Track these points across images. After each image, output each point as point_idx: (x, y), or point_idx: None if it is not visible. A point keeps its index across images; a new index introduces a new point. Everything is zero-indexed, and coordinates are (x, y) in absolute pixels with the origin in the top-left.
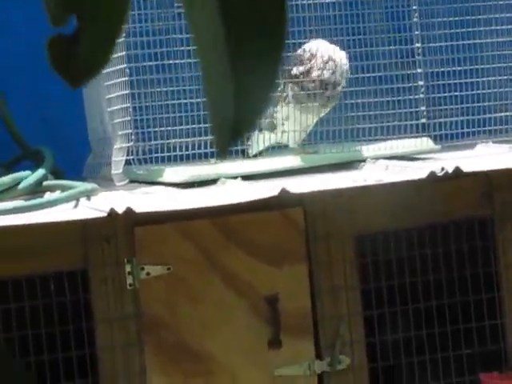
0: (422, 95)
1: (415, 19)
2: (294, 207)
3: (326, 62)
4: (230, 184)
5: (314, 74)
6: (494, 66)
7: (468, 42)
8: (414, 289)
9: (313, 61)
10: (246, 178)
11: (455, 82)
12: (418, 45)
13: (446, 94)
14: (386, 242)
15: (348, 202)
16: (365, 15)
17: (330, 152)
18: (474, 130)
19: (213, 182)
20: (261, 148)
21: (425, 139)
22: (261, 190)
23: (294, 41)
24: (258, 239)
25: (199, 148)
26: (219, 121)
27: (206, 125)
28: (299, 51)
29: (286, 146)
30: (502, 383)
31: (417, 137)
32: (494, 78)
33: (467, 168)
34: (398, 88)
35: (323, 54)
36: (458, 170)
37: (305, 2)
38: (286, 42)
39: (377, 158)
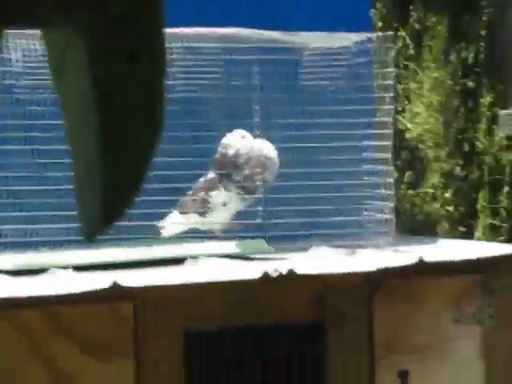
0: (260, 195)
1: (256, 119)
2: (124, 301)
3: (264, 163)
4: (61, 273)
5: (257, 178)
6: (330, 170)
7: (306, 144)
8: None
9: (250, 163)
10: (78, 268)
11: (292, 184)
12: None
13: (282, 196)
14: (214, 339)
15: (180, 298)
16: (204, 112)
17: (164, 247)
18: (309, 232)
19: (43, 271)
20: (179, 230)
21: (259, 240)
22: (91, 281)
23: None
24: (88, 332)
25: (30, 236)
26: (88, 208)
27: (38, 213)
28: (224, 149)
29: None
30: None
31: (252, 237)
32: (330, 183)
33: (301, 270)
34: None
35: (259, 155)
36: (291, 272)
37: None
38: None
39: (211, 256)
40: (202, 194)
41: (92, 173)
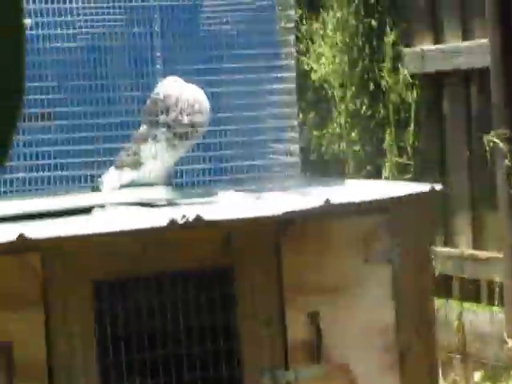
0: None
1: (158, 66)
2: (31, 252)
3: (193, 105)
4: None
5: (185, 119)
6: (235, 114)
7: (210, 90)
8: (150, 337)
9: (179, 105)
10: None
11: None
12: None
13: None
14: (123, 287)
15: (85, 246)
16: (107, 60)
17: (71, 197)
18: (216, 178)
19: None
20: (117, 184)
21: (166, 186)
22: None
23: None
24: None
25: None
26: None
27: None
28: (156, 96)
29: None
30: None
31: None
32: (236, 127)
33: (208, 216)
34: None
35: (188, 97)
36: (198, 218)
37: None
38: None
39: (118, 204)
40: (133, 147)
41: None
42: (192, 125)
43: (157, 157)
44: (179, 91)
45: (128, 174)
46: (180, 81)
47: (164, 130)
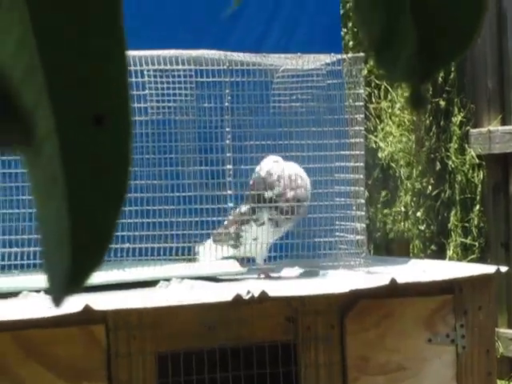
0: (231, 217)
1: (227, 141)
2: (96, 324)
3: (296, 180)
4: (33, 297)
5: (289, 193)
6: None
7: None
8: None
9: (281, 181)
10: None
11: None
12: (230, 166)
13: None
14: (187, 361)
15: (152, 320)
16: (177, 134)
17: (136, 269)
18: (281, 254)
19: (15, 294)
20: (212, 259)
21: (231, 261)
22: (64, 304)
23: None
24: (58, 355)
25: (2, 259)
26: (53, 271)
27: (10, 236)
28: (259, 174)
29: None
30: None
31: (224, 258)
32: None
33: (273, 292)
34: (207, 209)
35: (290, 173)
36: (263, 294)
37: None
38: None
39: (182, 278)
40: (234, 227)
41: (58, 240)
42: (297, 199)
43: (257, 239)
44: (281, 168)
45: (226, 250)
46: (280, 160)
47: (267, 209)
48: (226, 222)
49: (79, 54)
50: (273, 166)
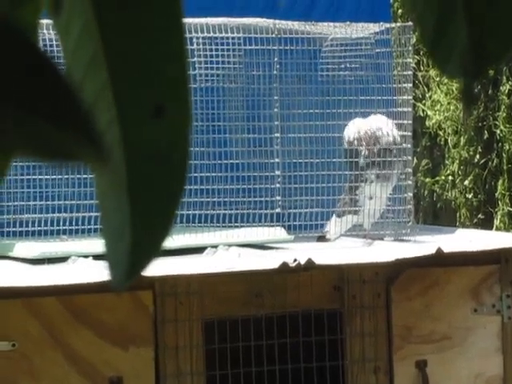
0: (278, 185)
1: (275, 109)
2: (143, 290)
3: (382, 129)
4: (81, 262)
5: (383, 140)
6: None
7: (325, 135)
8: (260, 378)
9: (378, 132)
10: (98, 257)
11: (311, 173)
12: (277, 135)
13: (301, 185)
14: (234, 329)
15: (198, 286)
16: (225, 102)
17: (183, 236)
18: (327, 222)
19: (64, 259)
20: (342, 231)
21: (278, 229)
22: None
23: None
24: (106, 320)
25: (51, 225)
26: (115, 260)
27: (59, 202)
28: (363, 132)
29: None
30: None
31: (270, 226)
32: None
33: (319, 260)
34: (254, 176)
35: (387, 131)
36: (310, 262)
37: None
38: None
39: (229, 245)
40: (347, 196)
41: (119, 231)
42: (390, 149)
43: (372, 196)
44: (384, 123)
45: (350, 220)
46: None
47: (376, 166)
48: (341, 197)
49: (143, 47)
50: (377, 122)
